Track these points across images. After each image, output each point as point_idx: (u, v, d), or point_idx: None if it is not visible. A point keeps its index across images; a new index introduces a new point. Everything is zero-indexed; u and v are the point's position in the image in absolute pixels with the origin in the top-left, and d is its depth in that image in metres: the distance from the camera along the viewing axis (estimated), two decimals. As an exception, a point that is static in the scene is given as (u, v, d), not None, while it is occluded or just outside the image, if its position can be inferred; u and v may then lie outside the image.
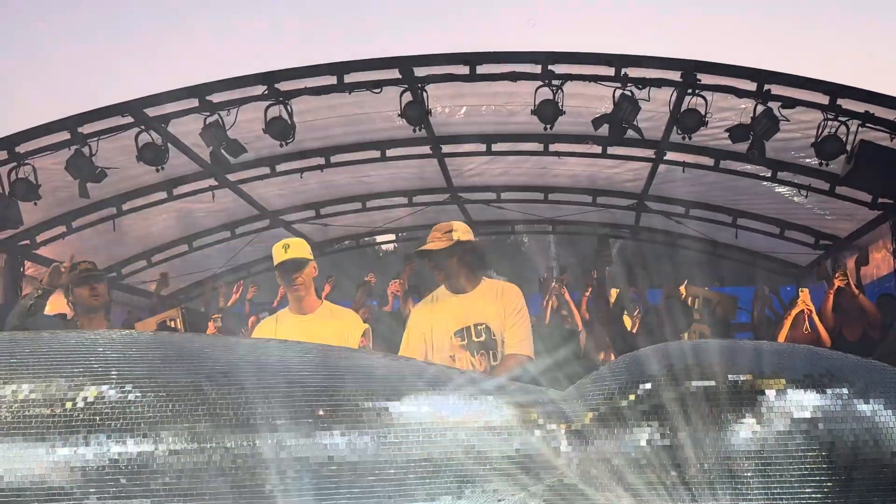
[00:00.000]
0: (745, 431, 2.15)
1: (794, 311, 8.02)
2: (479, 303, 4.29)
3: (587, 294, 9.44)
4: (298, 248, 4.52)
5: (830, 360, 2.38)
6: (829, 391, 2.21)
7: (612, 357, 6.60)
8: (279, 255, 4.46)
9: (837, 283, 8.22)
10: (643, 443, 2.16)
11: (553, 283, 8.58)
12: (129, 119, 8.73)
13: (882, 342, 7.19)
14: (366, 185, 12.05)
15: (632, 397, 2.22)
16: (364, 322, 4.85)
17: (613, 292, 9.22)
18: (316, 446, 2.15)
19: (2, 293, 10.10)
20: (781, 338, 8.13)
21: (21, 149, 8.65)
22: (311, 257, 4.55)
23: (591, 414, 2.23)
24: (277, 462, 2.12)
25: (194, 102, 8.70)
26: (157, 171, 9.20)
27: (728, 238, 12.78)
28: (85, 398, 2.15)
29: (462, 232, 4.37)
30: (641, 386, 2.24)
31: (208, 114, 8.72)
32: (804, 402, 2.18)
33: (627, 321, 8.01)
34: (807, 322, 7.97)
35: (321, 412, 2.19)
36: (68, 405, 2.13)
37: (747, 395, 2.19)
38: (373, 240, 13.97)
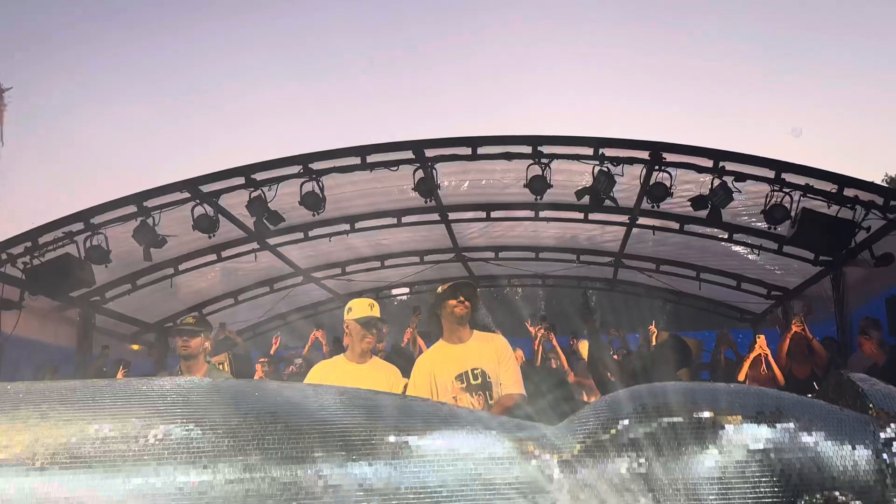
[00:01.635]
0: (709, 460, 2.15)
1: (753, 355, 8.01)
2: (474, 351, 4.25)
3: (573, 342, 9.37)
4: (378, 309, 4.47)
5: (779, 399, 2.38)
6: (778, 426, 2.21)
7: (595, 397, 6.54)
8: (364, 310, 4.39)
9: (795, 328, 8.21)
10: (623, 471, 2.15)
11: (541, 331, 8.51)
12: (187, 195, 8.81)
13: (825, 379, 7.15)
14: (383, 246, 12.04)
15: (612, 432, 2.21)
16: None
17: (583, 345, 9.18)
18: (348, 475, 2.14)
19: (76, 341, 10.12)
20: (741, 377, 8.10)
21: (95, 220, 8.71)
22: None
23: (579, 446, 2.22)
24: (316, 489, 2.12)
25: (241, 180, 8.78)
26: (209, 237, 9.26)
27: (692, 289, 12.71)
28: (154, 435, 2.15)
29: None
30: (620, 422, 2.23)
31: (253, 189, 8.78)
32: (758, 436, 2.18)
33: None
34: (763, 364, 7.96)
35: (352, 446, 2.21)
36: (141, 441, 2.13)
37: (709, 430, 2.19)
38: (389, 292, 13.94)
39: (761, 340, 8.09)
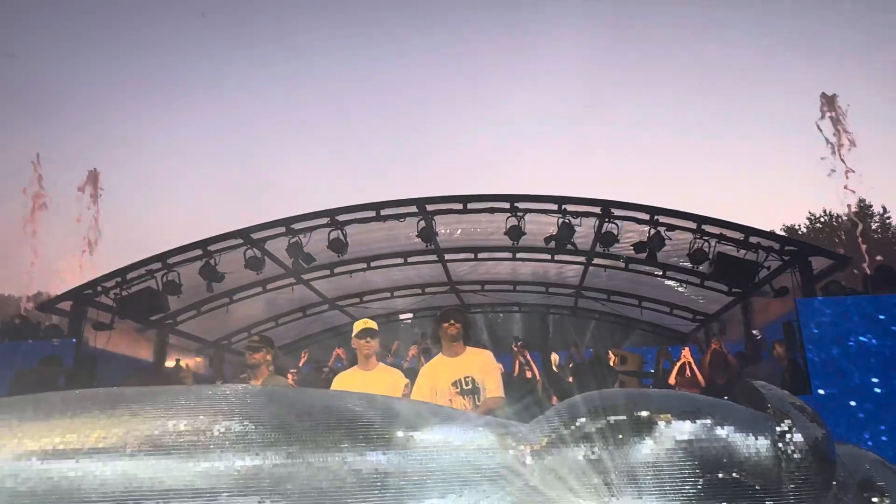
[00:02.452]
0: (645, 449, 2.18)
1: (679, 363, 8.08)
2: (467, 363, 4.25)
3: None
4: (373, 324, 4.51)
5: (699, 401, 2.42)
6: (698, 422, 2.25)
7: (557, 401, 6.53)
8: (359, 326, 4.45)
9: (714, 346, 8.24)
10: (580, 458, 2.18)
11: (516, 348, 8.49)
12: (240, 241, 8.83)
13: (735, 386, 7.18)
14: (393, 280, 11.96)
15: (572, 427, 2.24)
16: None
17: (554, 356, 9.18)
18: (366, 462, 2.17)
19: (152, 357, 10.08)
20: (672, 380, 8.15)
21: (170, 261, 8.73)
22: (378, 332, 4.52)
23: (546, 439, 2.25)
24: (342, 472, 2.14)
25: (282, 229, 8.79)
26: (257, 274, 9.26)
27: (636, 314, 12.67)
28: (218, 429, 2.19)
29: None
30: (578, 419, 2.27)
31: (291, 236, 8.80)
32: (683, 429, 2.22)
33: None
34: (688, 370, 8.01)
35: (370, 439, 2.23)
36: (208, 434, 2.17)
37: (646, 425, 2.22)
38: (397, 317, 13.88)
39: (686, 352, 8.17)
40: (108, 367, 8.42)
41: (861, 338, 6.82)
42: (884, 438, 6.46)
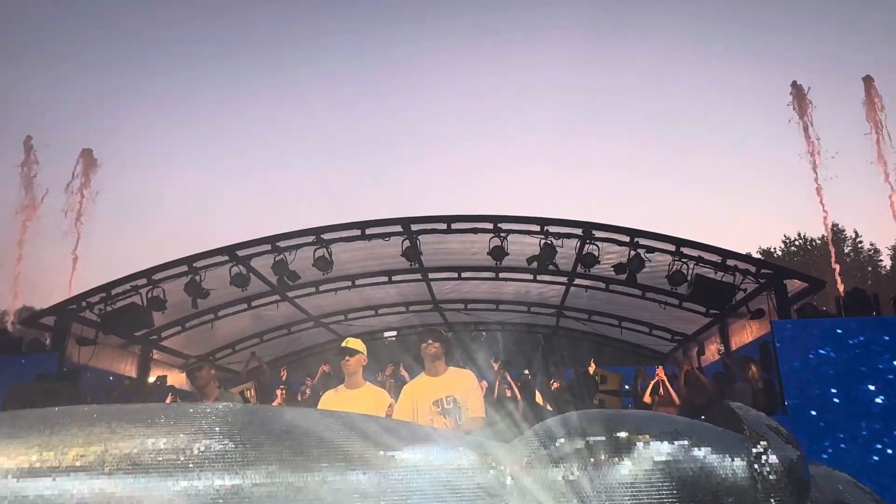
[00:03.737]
0: (623, 470, 2.17)
1: (653, 381, 8.12)
2: (449, 383, 4.20)
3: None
4: (354, 343, 4.48)
5: (676, 422, 2.41)
6: (676, 443, 2.25)
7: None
8: (343, 344, 4.46)
9: (686, 367, 8.32)
10: (559, 478, 2.17)
11: (498, 369, 8.48)
12: (226, 258, 8.77)
13: (713, 405, 7.19)
14: (377, 299, 11.95)
15: (551, 448, 2.23)
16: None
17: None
18: (346, 481, 2.14)
19: (136, 373, 9.94)
20: (647, 398, 8.19)
21: (156, 277, 8.66)
22: (362, 350, 4.47)
23: (527, 458, 2.24)
24: (322, 492, 2.12)
25: (268, 247, 8.75)
26: (242, 291, 9.20)
27: (616, 334, 12.73)
28: (198, 448, 2.15)
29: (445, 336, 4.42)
30: (557, 441, 2.26)
31: (277, 254, 8.76)
32: (660, 450, 2.22)
33: (539, 397, 7.90)
34: (662, 388, 8.06)
35: (350, 458, 2.20)
36: (187, 452, 2.13)
37: (624, 446, 2.22)
38: (381, 334, 13.82)
39: (660, 370, 8.23)
40: (90, 381, 8.29)
41: (834, 359, 6.89)
42: (843, 446, 6.53)
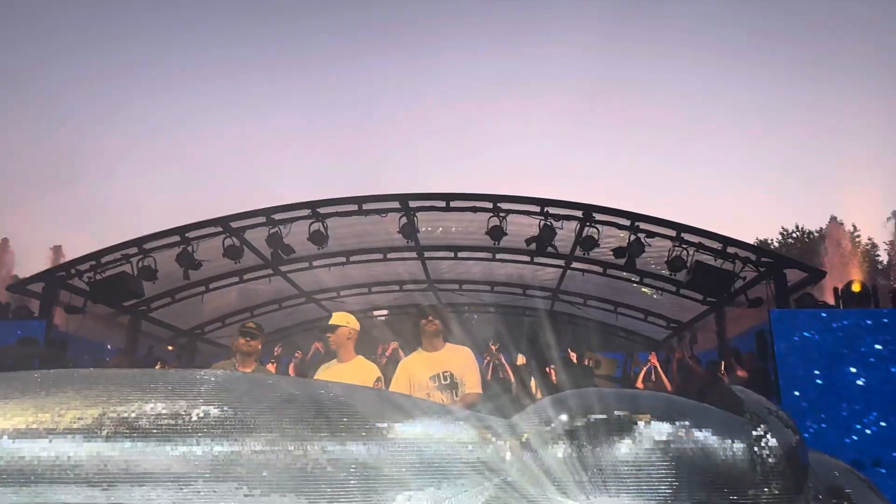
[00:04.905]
0: (625, 448, 2.18)
1: (646, 367, 8.19)
2: (446, 358, 4.26)
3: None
4: (336, 318, 4.50)
5: (678, 403, 2.42)
6: (677, 423, 2.25)
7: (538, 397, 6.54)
8: (329, 319, 4.50)
9: (677, 355, 8.39)
10: (560, 454, 2.18)
11: (493, 350, 8.53)
12: (219, 229, 8.75)
13: (711, 391, 7.26)
14: (372, 276, 11.96)
15: (554, 423, 2.24)
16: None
17: (521, 357, 9.21)
18: (346, 451, 2.14)
19: (126, 342, 9.94)
20: (639, 383, 8.27)
21: (147, 246, 8.62)
22: (345, 324, 4.47)
23: (527, 434, 2.24)
24: (321, 461, 2.11)
25: (263, 219, 8.73)
26: (235, 263, 9.19)
27: (611, 320, 12.79)
28: (197, 414, 2.15)
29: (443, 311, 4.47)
30: (559, 417, 2.26)
31: (271, 227, 8.75)
32: (661, 430, 2.22)
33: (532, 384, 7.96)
34: (654, 374, 8.14)
35: (350, 428, 2.21)
36: (187, 418, 2.13)
37: (626, 425, 2.22)
38: (372, 313, 13.84)
39: (653, 357, 8.30)
40: (77, 351, 8.29)
41: (832, 350, 6.96)
42: (847, 441, 6.61)
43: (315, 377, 4.48)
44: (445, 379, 4.12)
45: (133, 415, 2.12)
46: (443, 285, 12.41)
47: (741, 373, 7.65)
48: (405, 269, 11.55)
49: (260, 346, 4.83)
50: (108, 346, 9.59)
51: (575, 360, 8.67)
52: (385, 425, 2.23)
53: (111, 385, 2.23)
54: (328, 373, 4.38)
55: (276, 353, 10.30)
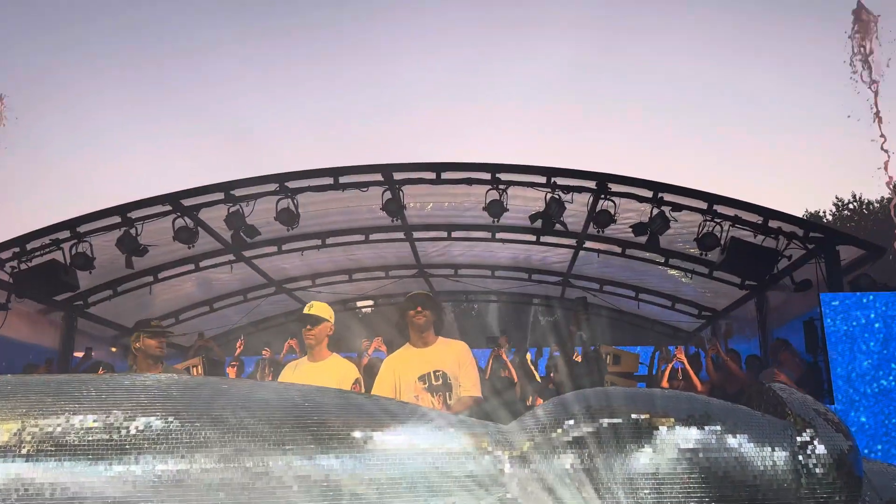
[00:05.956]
0: (644, 458, 2.17)
1: (670, 364, 8.07)
2: (438, 355, 4.24)
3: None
4: (319, 309, 4.47)
5: (707, 404, 2.42)
6: (706, 428, 2.25)
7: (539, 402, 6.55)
8: (305, 309, 4.46)
9: (710, 350, 8.39)
10: (568, 466, 2.17)
11: (504, 344, 8.57)
12: (168, 207, 8.69)
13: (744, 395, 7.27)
14: (352, 261, 11.96)
15: (559, 430, 2.23)
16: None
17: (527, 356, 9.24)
18: (315, 466, 2.14)
19: (59, 343, 9.91)
20: (664, 383, 8.22)
21: (81, 229, 8.54)
22: (328, 318, 4.47)
23: (529, 443, 2.23)
24: (285, 479, 2.11)
25: (220, 195, 8.67)
26: (189, 248, 9.14)
27: (631, 308, 12.82)
28: (136, 427, 2.14)
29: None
30: (567, 422, 2.25)
31: (231, 204, 8.69)
32: (688, 437, 2.21)
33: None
34: (680, 373, 8.05)
35: (321, 439, 2.19)
36: (123, 432, 2.12)
37: (645, 430, 2.21)
38: (355, 304, 13.85)
39: (679, 352, 8.19)
40: (0, 355, 8.26)
41: (894, 340, 6.96)
42: None
43: (280, 379, 4.46)
44: (437, 379, 4.11)
45: (58, 429, 2.11)
46: (435, 270, 12.42)
47: (788, 370, 7.66)
48: (391, 252, 11.55)
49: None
50: (39, 349, 9.55)
51: (583, 356, 8.71)
52: (361, 435, 2.22)
53: (32, 394, 2.21)
54: (297, 374, 4.36)
55: (236, 353, 10.32)
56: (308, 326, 4.41)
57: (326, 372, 4.28)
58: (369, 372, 5.96)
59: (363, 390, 4.35)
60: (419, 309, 4.27)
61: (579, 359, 8.63)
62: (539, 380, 8.98)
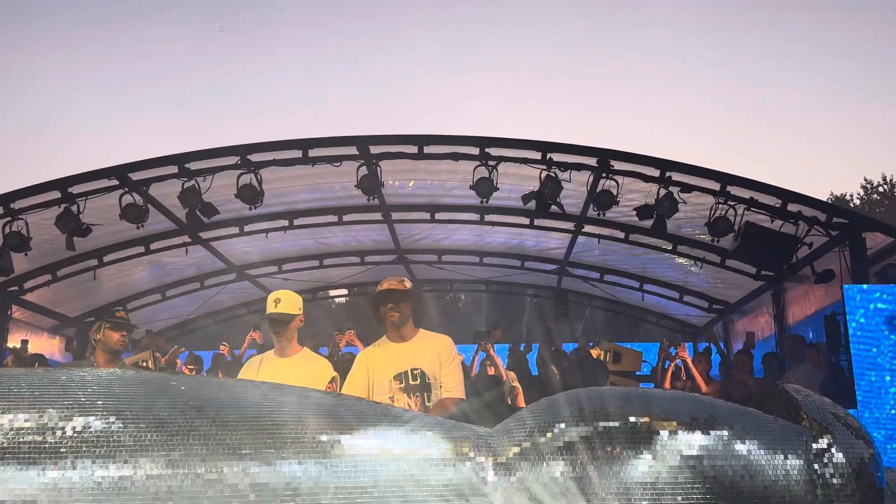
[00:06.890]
0: (642, 466, 2.18)
1: (672, 364, 8.02)
2: (417, 350, 4.19)
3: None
4: (287, 304, 4.35)
5: (713, 406, 2.42)
6: (712, 433, 2.26)
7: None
8: (270, 307, 4.32)
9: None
10: (557, 474, 2.17)
11: (497, 338, 8.59)
12: (115, 182, 8.63)
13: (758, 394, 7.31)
14: (323, 244, 11.98)
15: (548, 435, 2.23)
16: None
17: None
18: (277, 474, 2.14)
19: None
20: (667, 384, 8.20)
21: (16, 205, 8.49)
22: (298, 312, 4.37)
23: (514, 448, 2.23)
24: (241, 487, 2.11)
25: (174, 169, 8.62)
26: (138, 228, 9.08)
27: (635, 300, 12.90)
28: (73, 427, 2.12)
29: (412, 285, 4.38)
30: (556, 425, 2.25)
31: (186, 179, 8.64)
32: (691, 442, 2.22)
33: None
34: (683, 371, 8.03)
35: (282, 443, 2.19)
36: (58, 433, 2.10)
37: (644, 435, 2.22)
38: (327, 293, 13.86)
39: (682, 350, 8.08)
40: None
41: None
42: None
43: (242, 374, 4.44)
44: (414, 378, 4.08)
45: (-14, 430, 2.09)
46: (416, 256, 12.44)
47: (817, 368, 7.71)
48: (367, 234, 11.56)
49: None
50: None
51: (580, 353, 8.74)
52: (327, 438, 2.22)
53: (-45, 390, 2.18)
54: (263, 370, 4.31)
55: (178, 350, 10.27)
56: (278, 328, 4.31)
57: (297, 368, 4.25)
58: (341, 370, 5.95)
59: (338, 388, 4.32)
60: (391, 306, 4.20)
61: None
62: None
